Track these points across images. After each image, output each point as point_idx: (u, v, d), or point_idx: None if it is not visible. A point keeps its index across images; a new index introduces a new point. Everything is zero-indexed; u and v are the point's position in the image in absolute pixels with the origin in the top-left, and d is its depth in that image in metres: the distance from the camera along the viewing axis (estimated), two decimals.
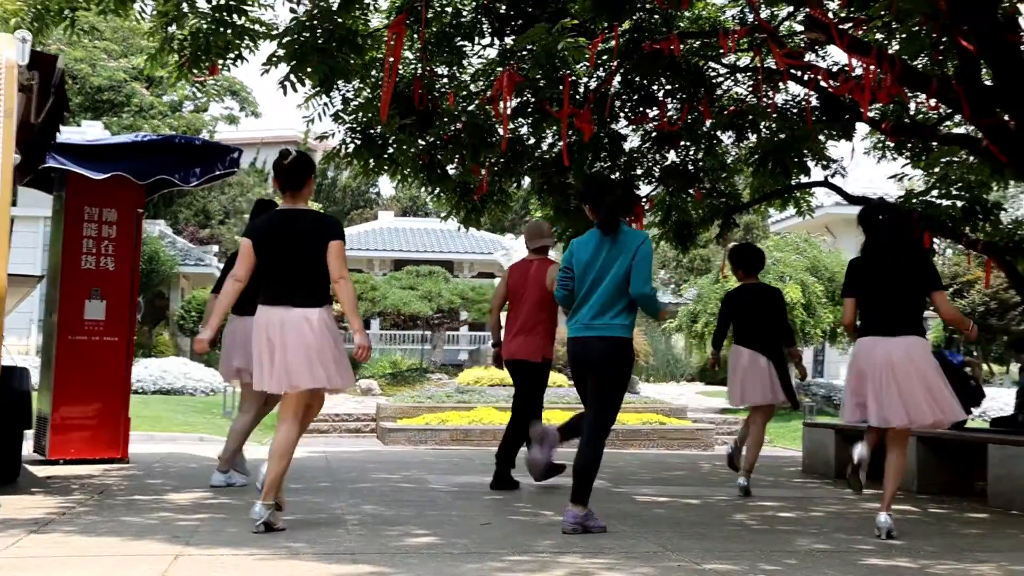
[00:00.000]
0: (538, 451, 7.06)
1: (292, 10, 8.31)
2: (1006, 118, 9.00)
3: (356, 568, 4.29)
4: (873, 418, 5.69)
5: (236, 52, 9.15)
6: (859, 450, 5.93)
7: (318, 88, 8.94)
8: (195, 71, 9.05)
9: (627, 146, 10.98)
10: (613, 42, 9.16)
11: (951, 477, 8.32)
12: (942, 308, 5.80)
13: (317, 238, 5.23)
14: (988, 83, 9.28)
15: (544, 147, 10.63)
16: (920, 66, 10.01)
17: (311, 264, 5.22)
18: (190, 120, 38.10)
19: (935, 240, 10.20)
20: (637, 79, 10.23)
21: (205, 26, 8.38)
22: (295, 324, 5.15)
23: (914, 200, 10.24)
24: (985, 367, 28.02)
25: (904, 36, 9.51)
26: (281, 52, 8.28)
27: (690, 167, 11.10)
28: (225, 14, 8.32)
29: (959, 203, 10.16)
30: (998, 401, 19.41)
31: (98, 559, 4.43)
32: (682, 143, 10.93)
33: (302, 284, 5.22)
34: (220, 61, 9.22)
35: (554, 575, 4.27)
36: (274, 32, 8.54)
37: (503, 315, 7.85)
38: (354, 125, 9.55)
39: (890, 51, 9.48)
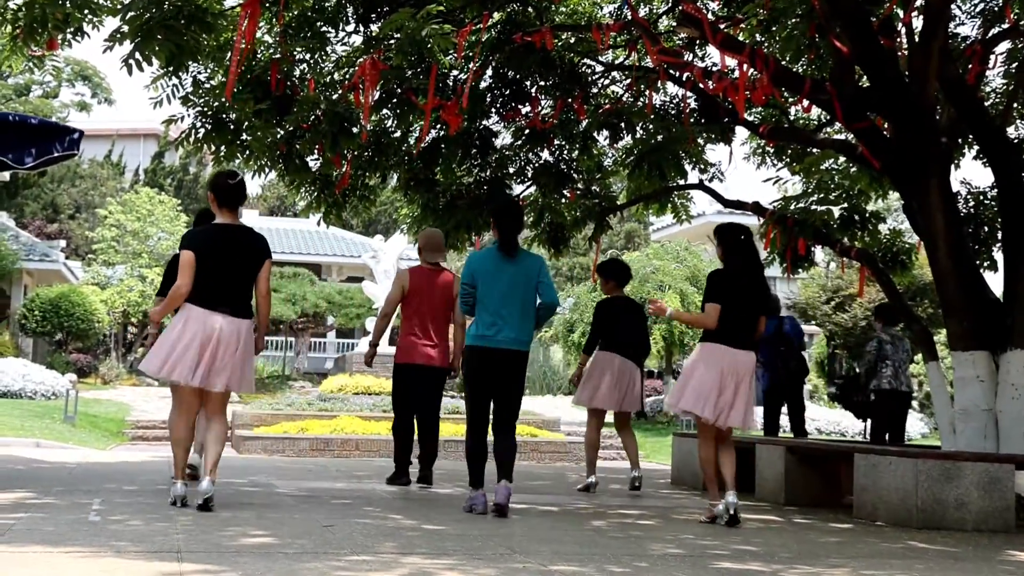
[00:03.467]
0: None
1: None
2: (885, 125, 8.88)
3: (179, 567, 3.99)
4: (719, 418, 6.31)
5: (76, 26, 8.47)
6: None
7: (166, 69, 8.26)
8: (31, 45, 8.39)
9: (498, 143, 10.58)
10: (483, 32, 8.71)
11: (820, 490, 8.10)
12: (762, 326, 6.64)
13: (255, 255, 5.90)
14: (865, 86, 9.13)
15: (411, 141, 10.11)
16: (800, 69, 9.84)
17: (247, 277, 5.88)
18: (38, 106, 36.21)
19: (811, 248, 10.02)
20: (509, 73, 9.82)
21: None
22: (234, 332, 5.77)
23: (792, 206, 10.04)
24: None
25: (782, 37, 9.34)
26: (125, 28, 7.69)
27: (564, 167, 10.75)
28: None
29: (836, 210, 10.01)
30: None
31: None
32: (556, 142, 10.57)
33: (238, 294, 5.86)
34: (59, 36, 8.55)
35: (394, 574, 4.07)
36: (118, 6, 7.86)
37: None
38: (205, 109, 8.86)
39: (767, 52, 9.27)
